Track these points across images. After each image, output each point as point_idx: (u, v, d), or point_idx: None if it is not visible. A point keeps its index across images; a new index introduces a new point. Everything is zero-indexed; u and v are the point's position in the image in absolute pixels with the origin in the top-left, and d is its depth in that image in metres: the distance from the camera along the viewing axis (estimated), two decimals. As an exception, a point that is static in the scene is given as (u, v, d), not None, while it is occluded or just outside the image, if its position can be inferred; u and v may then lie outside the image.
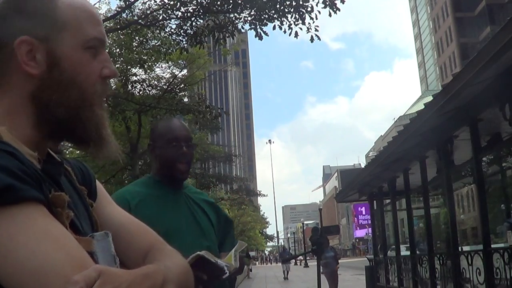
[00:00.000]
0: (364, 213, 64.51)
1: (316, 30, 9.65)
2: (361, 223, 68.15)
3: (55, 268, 0.68)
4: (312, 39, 9.72)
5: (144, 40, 13.96)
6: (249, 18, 9.99)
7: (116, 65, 14.92)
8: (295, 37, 9.81)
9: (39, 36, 0.84)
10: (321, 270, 11.62)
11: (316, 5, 9.44)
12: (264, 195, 40.62)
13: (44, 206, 0.73)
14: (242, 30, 10.84)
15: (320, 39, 9.88)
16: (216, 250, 2.05)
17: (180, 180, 2.17)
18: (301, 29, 9.70)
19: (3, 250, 0.67)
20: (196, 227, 2.09)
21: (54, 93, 0.84)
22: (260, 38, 9.98)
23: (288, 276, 27.39)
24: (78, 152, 13.74)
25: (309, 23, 9.58)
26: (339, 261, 14.51)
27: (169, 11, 11.08)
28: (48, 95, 0.84)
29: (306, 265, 42.95)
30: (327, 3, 9.37)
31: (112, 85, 15.05)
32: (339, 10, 9.50)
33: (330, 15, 9.54)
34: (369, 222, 17.63)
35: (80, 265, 0.69)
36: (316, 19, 9.55)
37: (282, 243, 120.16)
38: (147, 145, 2.25)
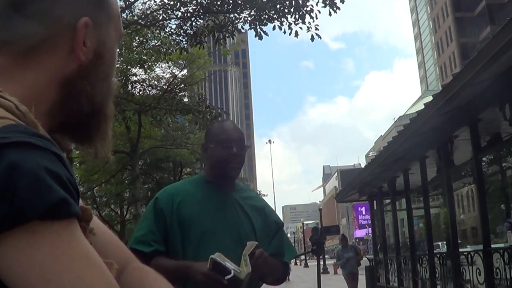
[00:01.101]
0: (364, 213, 64.49)
1: (316, 29, 9.67)
2: (361, 223, 68.14)
3: None
4: (312, 38, 9.73)
5: (144, 40, 13.98)
6: (249, 19, 10.00)
7: (116, 65, 14.96)
8: (295, 36, 9.83)
9: (95, 21, 0.77)
10: (341, 272, 11.19)
11: (316, 4, 9.46)
12: (264, 195, 40.70)
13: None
14: (242, 30, 10.85)
15: (320, 38, 9.90)
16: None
17: (229, 180, 2.17)
18: (301, 28, 9.71)
19: (46, 273, 0.59)
20: (234, 232, 2.07)
21: (89, 85, 0.78)
22: (260, 38, 9.99)
23: (289, 277, 26.49)
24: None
25: (309, 22, 9.60)
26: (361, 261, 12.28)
27: (169, 11, 11.09)
28: (83, 85, 0.77)
29: (306, 265, 42.93)
30: (327, 3, 9.38)
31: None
32: (339, 9, 9.51)
33: (330, 14, 9.55)
34: (369, 222, 17.62)
35: None
36: (316, 18, 9.57)
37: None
38: (201, 145, 2.28)
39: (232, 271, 1.71)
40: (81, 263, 0.61)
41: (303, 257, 48.38)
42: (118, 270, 0.84)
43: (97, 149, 0.83)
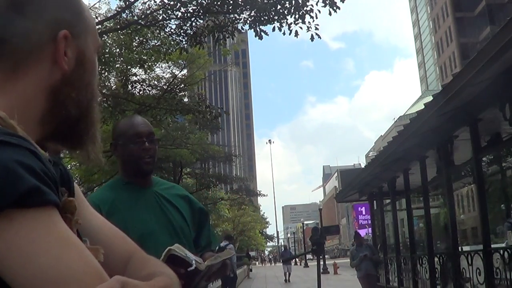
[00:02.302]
0: (364, 213, 64.46)
1: (316, 28, 9.66)
2: (361, 223, 68.07)
3: (77, 278, 0.65)
4: (312, 38, 9.72)
5: (144, 40, 13.95)
6: (249, 19, 9.99)
7: (116, 65, 14.95)
8: (295, 36, 9.82)
9: (73, 32, 0.84)
10: (356, 274, 10.48)
11: (316, 4, 9.46)
12: (264, 195, 40.64)
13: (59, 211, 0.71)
14: (242, 30, 10.84)
15: (320, 38, 9.88)
16: (191, 248, 2.01)
17: (146, 175, 2.12)
18: (301, 28, 9.71)
19: (24, 255, 0.64)
20: (169, 227, 2.05)
21: (74, 91, 0.84)
22: (260, 37, 9.99)
23: (289, 278, 24.74)
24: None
25: (309, 22, 9.59)
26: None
27: (169, 11, 11.08)
28: (68, 92, 0.84)
29: (306, 265, 42.93)
30: (327, 2, 9.37)
31: (112, 85, 15.07)
32: (339, 8, 9.50)
33: (330, 14, 9.54)
34: (369, 222, 17.58)
35: (100, 276, 0.68)
36: (316, 18, 9.56)
37: (283, 243, 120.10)
38: (110, 144, 2.19)
39: (194, 262, 1.64)
40: (58, 245, 0.66)
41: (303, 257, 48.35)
42: (124, 259, 0.93)
43: (89, 153, 0.89)
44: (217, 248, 2.36)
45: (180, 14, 10.98)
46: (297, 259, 52.66)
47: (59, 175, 0.89)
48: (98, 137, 0.90)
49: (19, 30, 0.80)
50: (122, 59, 14.82)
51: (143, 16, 11.86)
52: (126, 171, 2.14)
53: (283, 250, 34.69)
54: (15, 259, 0.63)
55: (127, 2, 11.18)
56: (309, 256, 45.95)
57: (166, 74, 18.21)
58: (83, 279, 0.65)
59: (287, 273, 24.68)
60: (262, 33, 9.96)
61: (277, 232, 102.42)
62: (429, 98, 6.40)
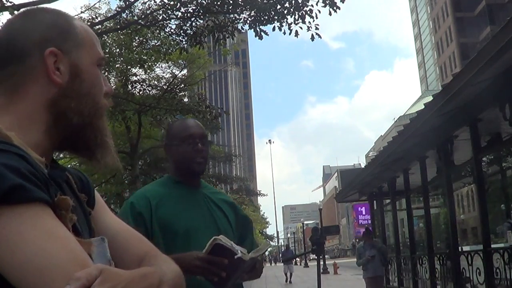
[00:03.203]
0: (364, 213, 64.47)
1: (316, 28, 9.66)
2: (361, 223, 68.07)
3: (59, 266, 0.71)
4: (312, 38, 9.72)
5: (144, 40, 13.97)
6: (249, 19, 9.99)
7: (116, 65, 14.95)
8: (295, 36, 9.82)
9: (63, 49, 0.92)
10: (362, 275, 9.55)
11: (316, 4, 9.46)
12: (264, 195, 40.71)
13: (50, 208, 0.77)
14: (242, 30, 10.84)
15: (320, 37, 9.89)
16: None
17: (197, 175, 2.19)
18: (301, 28, 9.71)
19: (12, 246, 0.71)
20: (214, 227, 2.09)
21: (73, 101, 0.91)
22: (260, 37, 9.99)
23: (291, 279, 23.40)
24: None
25: (309, 22, 9.60)
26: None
27: (169, 11, 11.08)
28: (67, 103, 0.91)
29: (306, 265, 42.92)
30: (327, 2, 9.37)
31: (112, 85, 15.05)
32: (339, 8, 9.50)
33: (330, 14, 9.54)
34: (369, 222, 17.57)
35: (83, 264, 0.73)
36: (316, 18, 9.56)
37: (283, 242, 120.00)
38: (163, 145, 2.29)
39: (239, 252, 1.66)
40: (44, 237, 0.72)
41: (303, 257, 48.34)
42: (139, 258, 0.98)
43: (99, 159, 0.96)
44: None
45: (180, 14, 10.99)
46: (297, 259, 52.63)
47: (79, 182, 1.02)
48: (109, 142, 0.97)
49: (13, 61, 0.90)
50: (122, 59, 14.83)
51: (143, 16, 11.86)
52: (178, 171, 2.20)
53: (284, 249, 34.00)
54: (4, 249, 0.71)
55: (127, 2, 11.18)
56: (313, 255, 45.77)
57: (166, 74, 18.24)
58: (66, 266, 0.71)
59: (288, 273, 23.64)
60: (262, 33, 9.97)
61: (277, 232, 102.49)
62: (429, 98, 6.40)
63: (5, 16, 8.31)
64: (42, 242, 0.72)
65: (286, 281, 23.67)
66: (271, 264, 77.43)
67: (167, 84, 17.43)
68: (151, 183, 2.38)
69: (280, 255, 70.06)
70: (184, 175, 2.17)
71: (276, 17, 9.65)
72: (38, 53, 0.90)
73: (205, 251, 1.78)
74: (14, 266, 0.71)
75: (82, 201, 0.98)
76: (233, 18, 10.54)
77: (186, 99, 18.18)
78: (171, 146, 2.20)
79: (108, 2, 27.42)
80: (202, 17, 10.90)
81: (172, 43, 12.45)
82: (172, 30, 11.73)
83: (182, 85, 18.08)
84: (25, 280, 0.71)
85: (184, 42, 11.59)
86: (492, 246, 6.32)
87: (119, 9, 11.88)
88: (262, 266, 2.09)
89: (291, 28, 9.72)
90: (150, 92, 16.75)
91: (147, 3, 11.98)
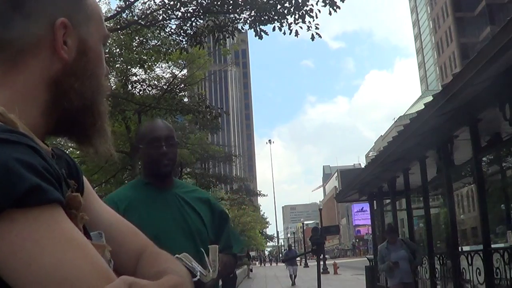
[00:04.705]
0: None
1: (316, 28, 9.66)
2: (356, 223, 68.19)
3: (82, 279, 0.62)
4: (313, 37, 9.73)
5: (144, 40, 13.96)
6: (249, 19, 10.00)
7: (116, 65, 14.94)
8: (295, 36, 9.82)
9: (73, 21, 0.81)
10: (388, 283, 7.73)
11: (316, 3, 9.46)
12: (264, 195, 40.66)
13: (63, 209, 0.68)
14: (242, 30, 10.84)
15: (320, 37, 9.89)
16: (207, 250, 2.05)
17: (165, 178, 2.19)
18: (301, 27, 9.71)
19: (27, 256, 0.61)
20: (185, 228, 2.09)
21: (77, 81, 0.81)
22: (260, 37, 9.99)
23: (295, 281, 22.01)
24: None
25: (309, 22, 9.60)
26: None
27: (169, 11, 11.09)
28: (70, 82, 0.80)
29: (306, 265, 42.93)
30: (327, 2, 9.37)
31: (112, 85, 15.07)
32: (339, 8, 9.50)
33: (330, 13, 9.54)
34: (369, 222, 17.54)
35: (107, 276, 0.66)
36: (316, 17, 9.57)
37: (284, 242, 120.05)
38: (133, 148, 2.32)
39: (198, 273, 1.61)
40: (62, 245, 0.63)
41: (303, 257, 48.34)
42: (136, 254, 0.90)
43: (96, 147, 0.86)
44: (240, 250, 2.41)
45: (180, 14, 10.99)
46: (297, 259, 52.62)
47: (67, 166, 0.88)
48: (107, 130, 0.87)
49: (16, 21, 0.78)
50: (122, 59, 14.82)
51: (143, 16, 11.86)
52: (146, 173, 2.23)
53: (287, 249, 33.54)
54: (18, 260, 0.61)
55: (127, 2, 11.19)
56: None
57: (166, 74, 18.23)
58: (89, 280, 0.63)
59: (293, 275, 22.05)
60: (262, 33, 9.97)
61: (277, 232, 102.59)
62: (429, 98, 6.40)
63: None
64: (61, 252, 0.62)
65: (293, 284, 21.85)
66: (271, 264, 77.30)
67: (167, 84, 17.43)
68: (122, 186, 2.39)
69: (281, 255, 70.05)
70: (153, 176, 2.19)
71: (276, 17, 9.65)
72: (46, 20, 0.78)
73: None
74: (30, 280, 0.61)
75: (72, 189, 0.86)
76: (233, 18, 10.55)
77: (186, 99, 18.17)
78: (139, 148, 2.21)
79: (108, 2, 27.48)
80: (202, 17, 10.91)
81: (172, 43, 12.44)
82: (172, 30, 11.74)
83: (182, 85, 18.08)
84: None
85: (184, 42, 11.59)
86: (492, 246, 6.32)
87: (119, 9, 11.89)
88: (232, 262, 2.11)
89: (291, 28, 9.73)
90: (150, 92, 16.74)
91: (147, 3, 11.99)
